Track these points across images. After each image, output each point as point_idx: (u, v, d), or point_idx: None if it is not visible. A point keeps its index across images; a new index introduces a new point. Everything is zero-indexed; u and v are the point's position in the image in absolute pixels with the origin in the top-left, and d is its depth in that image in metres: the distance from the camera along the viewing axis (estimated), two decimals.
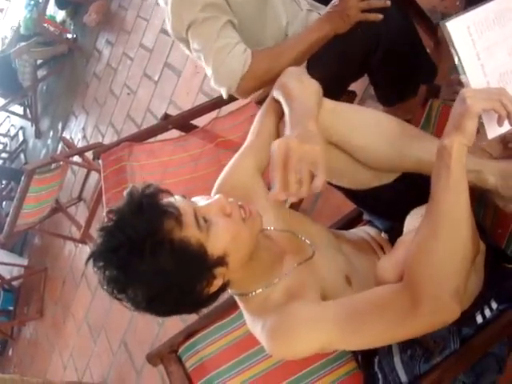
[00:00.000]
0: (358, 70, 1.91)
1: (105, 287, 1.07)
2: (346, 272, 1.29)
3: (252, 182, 1.35)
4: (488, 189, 1.30)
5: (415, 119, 1.63)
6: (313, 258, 1.27)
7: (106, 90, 4.94)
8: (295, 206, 2.18)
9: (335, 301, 1.15)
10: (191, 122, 2.57)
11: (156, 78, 4.17)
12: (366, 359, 1.43)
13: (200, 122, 2.51)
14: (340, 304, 1.13)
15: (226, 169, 1.36)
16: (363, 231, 1.51)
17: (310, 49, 1.73)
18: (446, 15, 2.17)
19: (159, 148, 2.48)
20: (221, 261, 1.10)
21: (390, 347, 1.37)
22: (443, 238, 1.01)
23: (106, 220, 1.06)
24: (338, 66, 1.82)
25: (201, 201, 1.15)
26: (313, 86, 1.29)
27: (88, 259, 1.06)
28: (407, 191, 1.36)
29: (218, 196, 1.15)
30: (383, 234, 1.47)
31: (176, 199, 1.10)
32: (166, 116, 2.52)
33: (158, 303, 1.10)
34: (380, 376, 1.37)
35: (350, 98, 1.88)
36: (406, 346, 1.35)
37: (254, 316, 1.20)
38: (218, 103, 2.60)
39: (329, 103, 1.33)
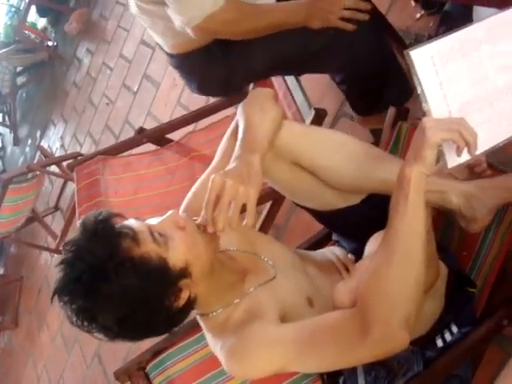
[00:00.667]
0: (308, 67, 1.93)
1: (74, 321, 1.08)
2: (308, 293, 1.30)
3: None
4: (452, 209, 1.32)
5: (384, 141, 1.65)
6: (275, 280, 1.28)
7: (84, 100, 4.93)
8: (267, 223, 2.19)
9: (293, 323, 1.16)
10: (166, 135, 2.57)
11: (135, 89, 4.18)
12: (331, 379, 1.44)
13: (176, 135, 2.52)
14: (297, 327, 1.14)
15: (190, 193, 1.37)
16: (330, 252, 1.53)
17: (276, 27, 1.71)
18: (420, 36, 2.20)
19: (133, 162, 2.48)
20: (184, 272, 1.12)
21: (354, 368, 1.38)
22: (396, 266, 1.02)
23: (63, 253, 1.07)
24: (294, 52, 1.83)
25: (154, 220, 1.16)
26: (273, 115, 1.29)
27: (53, 296, 1.07)
28: (373, 212, 1.37)
29: (170, 211, 1.16)
30: (350, 255, 1.48)
31: (129, 221, 1.12)
32: (141, 130, 2.52)
33: (129, 325, 1.10)
34: None
35: (320, 115, 1.89)
36: (371, 367, 1.36)
37: (215, 336, 1.21)
38: (193, 117, 2.61)
39: (297, 126, 1.35)
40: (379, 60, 1.84)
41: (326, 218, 1.47)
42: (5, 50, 5.76)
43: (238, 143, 1.24)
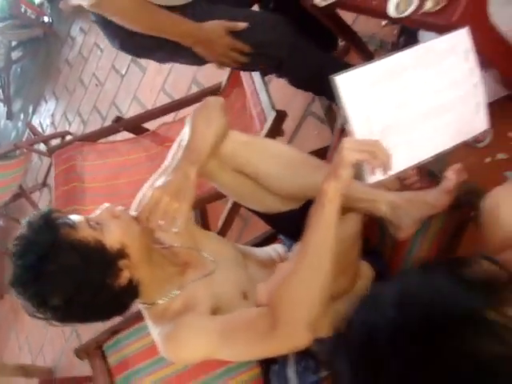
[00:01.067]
0: None
1: (31, 312, 1.21)
2: (244, 288, 1.43)
3: None
4: (382, 216, 1.44)
5: (333, 146, 1.76)
6: (213, 275, 1.40)
7: (76, 79, 5.00)
8: (232, 214, 2.30)
9: (221, 316, 1.30)
10: (143, 125, 2.68)
11: (123, 72, 4.25)
12: (266, 367, 1.56)
13: (156, 124, 2.63)
14: (223, 319, 1.28)
15: (142, 189, 1.48)
16: (273, 249, 1.65)
17: (164, 35, 1.79)
18: (384, 42, 2.29)
19: (110, 149, 2.60)
20: (121, 253, 1.26)
21: (286, 358, 1.51)
22: (303, 272, 1.15)
23: (13, 248, 1.20)
24: None
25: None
26: (218, 127, 1.40)
27: (11, 287, 1.20)
28: None
29: (106, 204, 1.32)
30: (290, 254, 1.60)
31: (69, 216, 1.27)
32: (118, 118, 2.63)
33: (76, 305, 1.23)
34: (275, 383, 1.51)
35: (281, 116, 2.00)
36: (301, 357, 1.49)
37: (154, 324, 1.35)
38: (171, 108, 2.72)
39: (241, 136, 1.46)
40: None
41: (270, 219, 1.58)
42: (0, 24, 5.80)
43: (181, 151, 1.36)
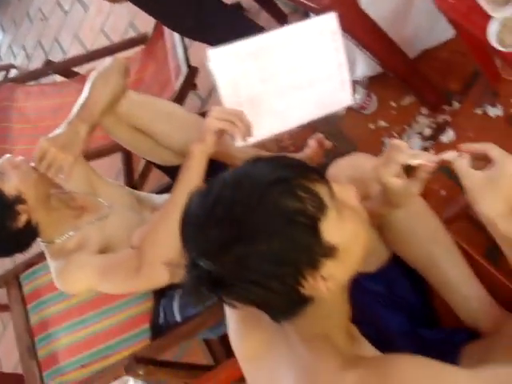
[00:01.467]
0: None
1: None
2: (135, 231, 1.63)
3: None
4: None
5: None
6: (107, 219, 1.60)
7: (23, 12, 4.98)
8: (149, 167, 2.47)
9: (103, 255, 1.51)
10: (73, 68, 2.79)
11: (67, 9, 4.29)
12: (156, 301, 1.79)
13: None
14: (104, 258, 1.49)
15: None
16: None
17: None
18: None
19: (39, 92, 2.71)
20: (18, 199, 1.45)
21: (173, 293, 1.73)
22: (166, 220, 1.35)
23: None
24: None
25: None
26: (114, 88, 1.56)
27: None
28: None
29: (7, 155, 1.51)
30: None
31: None
32: (49, 62, 2.74)
33: None
34: (162, 315, 1.74)
35: (193, 72, 2.15)
36: (184, 292, 1.71)
37: (51, 260, 1.55)
38: (100, 53, 2.82)
39: (136, 96, 1.64)
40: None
41: (166, 171, 1.78)
42: None
43: (76, 107, 1.52)
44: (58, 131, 1.49)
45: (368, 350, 1.01)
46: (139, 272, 1.35)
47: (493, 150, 0.93)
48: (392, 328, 1.31)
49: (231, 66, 1.29)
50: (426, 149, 1.85)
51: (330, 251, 0.84)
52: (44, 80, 2.86)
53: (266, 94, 1.34)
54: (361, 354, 0.95)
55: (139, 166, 2.64)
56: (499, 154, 0.91)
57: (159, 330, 1.73)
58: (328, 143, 1.58)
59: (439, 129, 1.85)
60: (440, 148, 1.79)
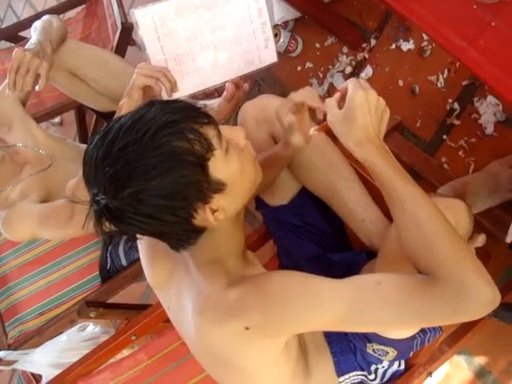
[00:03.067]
0: None
1: None
2: None
3: (13, 107, 1.75)
4: None
5: None
6: (48, 169, 1.70)
7: None
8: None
9: (42, 204, 1.61)
10: (20, 33, 2.83)
11: None
12: (103, 248, 1.91)
13: None
14: (42, 207, 1.59)
15: None
16: None
17: None
18: None
19: None
20: None
21: (118, 239, 1.85)
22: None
23: None
24: None
25: None
26: (58, 25, 1.70)
27: None
28: None
29: None
30: None
31: None
32: None
33: None
34: (109, 260, 1.87)
35: (128, 29, 2.22)
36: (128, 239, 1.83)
37: None
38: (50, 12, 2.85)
39: (72, 42, 1.74)
40: None
41: (104, 117, 1.88)
42: None
43: (37, 33, 1.63)
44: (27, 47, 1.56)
45: (259, 272, 1.11)
46: (72, 220, 1.46)
47: (348, 84, 1.03)
48: (303, 254, 1.43)
49: (156, 25, 1.35)
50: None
51: (217, 186, 0.93)
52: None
53: (191, 52, 1.40)
54: (250, 275, 1.05)
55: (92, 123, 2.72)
56: (351, 88, 1.01)
57: (107, 274, 1.86)
58: (246, 85, 1.65)
59: (359, 66, 1.94)
60: None
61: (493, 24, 1.04)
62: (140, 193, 0.87)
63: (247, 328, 0.94)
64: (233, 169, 0.96)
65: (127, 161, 0.87)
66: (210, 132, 0.93)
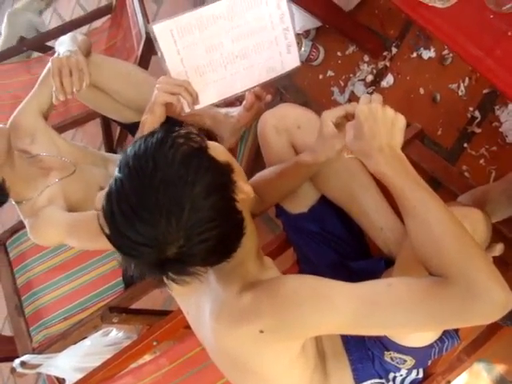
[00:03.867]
0: None
1: None
2: (102, 184, 1.76)
3: (35, 121, 1.79)
4: (208, 129, 1.75)
5: None
6: (73, 175, 1.74)
7: None
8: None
9: (72, 214, 1.64)
10: (47, 43, 2.90)
11: None
12: None
13: None
14: (71, 217, 1.62)
15: (18, 109, 1.79)
16: None
17: None
18: None
19: (14, 69, 2.82)
20: None
21: None
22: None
23: None
24: None
25: None
26: (82, 39, 1.75)
27: None
28: None
29: None
30: None
31: None
32: (22, 38, 2.84)
33: None
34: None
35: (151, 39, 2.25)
36: None
37: (25, 217, 1.70)
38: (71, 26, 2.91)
39: (95, 56, 1.78)
40: None
41: (127, 128, 1.91)
42: None
43: (65, 45, 1.66)
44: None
45: (274, 275, 1.14)
46: (101, 234, 1.48)
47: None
48: (322, 262, 1.45)
49: (175, 38, 1.34)
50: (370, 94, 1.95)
51: (228, 167, 0.96)
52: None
53: (211, 63, 1.39)
54: (266, 278, 1.07)
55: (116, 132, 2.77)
56: (358, 107, 1.04)
57: (131, 280, 1.89)
58: (268, 96, 1.66)
59: (380, 74, 1.95)
60: (381, 93, 1.89)
61: (509, 34, 1.04)
62: (193, 212, 0.87)
63: (261, 331, 0.96)
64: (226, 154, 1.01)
65: (162, 198, 0.87)
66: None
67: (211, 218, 0.88)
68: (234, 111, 1.71)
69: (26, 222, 1.69)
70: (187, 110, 1.42)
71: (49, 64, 1.70)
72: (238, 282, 1.04)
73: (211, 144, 0.97)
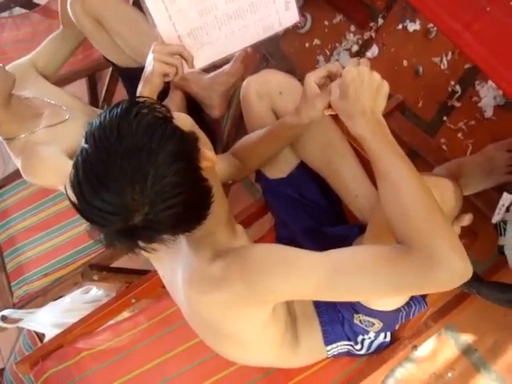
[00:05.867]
0: None
1: None
2: None
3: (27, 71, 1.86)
4: (196, 97, 1.75)
5: None
6: (67, 121, 1.76)
7: None
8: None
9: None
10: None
11: None
12: None
13: None
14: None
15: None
16: None
17: None
18: None
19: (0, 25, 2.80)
20: None
21: None
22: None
23: None
24: None
25: None
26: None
27: None
28: None
29: None
30: None
31: None
32: None
33: None
34: None
35: None
36: None
37: (16, 156, 1.71)
38: None
39: None
40: None
41: (120, 73, 1.92)
42: None
43: None
44: None
45: (244, 243, 1.17)
46: None
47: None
48: (298, 226, 1.48)
49: (166, 4, 1.30)
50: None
51: (192, 135, 0.97)
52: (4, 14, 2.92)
53: (205, 26, 1.36)
54: (236, 246, 1.10)
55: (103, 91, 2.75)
56: (346, 67, 1.06)
57: None
58: (250, 50, 1.64)
59: (365, 45, 1.96)
60: None
61: (488, 9, 1.06)
62: (158, 179, 0.88)
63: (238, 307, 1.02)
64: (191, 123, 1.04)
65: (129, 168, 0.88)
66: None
67: (175, 184, 0.89)
68: (226, 67, 1.69)
69: (17, 160, 1.71)
70: (186, 69, 1.40)
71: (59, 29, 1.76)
72: (209, 250, 1.07)
73: (176, 114, 0.98)
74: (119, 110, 0.92)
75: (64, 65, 2.02)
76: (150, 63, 1.36)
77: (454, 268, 0.89)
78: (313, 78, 1.15)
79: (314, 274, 0.97)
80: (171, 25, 1.33)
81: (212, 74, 1.74)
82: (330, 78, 1.15)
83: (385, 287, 0.96)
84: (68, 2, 1.73)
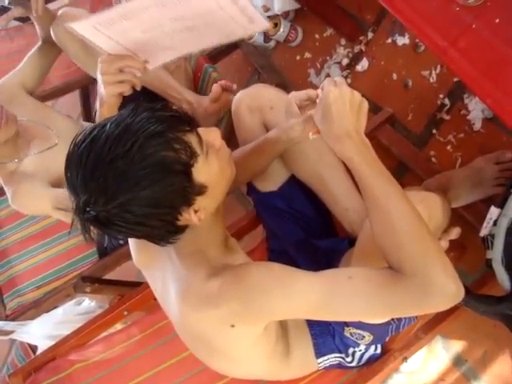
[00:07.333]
0: None
1: None
2: None
3: (17, 90, 1.85)
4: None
5: None
6: (56, 146, 1.76)
7: None
8: None
9: (59, 189, 1.66)
10: None
11: None
12: None
13: None
14: (56, 192, 1.64)
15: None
16: None
17: None
18: None
19: None
20: None
21: None
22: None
23: None
24: None
25: None
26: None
27: None
28: None
29: None
30: None
31: None
32: (3, 8, 2.82)
33: None
34: (107, 238, 1.92)
35: None
36: None
37: (7, 184, 1.72)
38: None
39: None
40: None
41: None
42: None
43: None
44: None
45: (241, 260, 1.17)
46: None
47: (324, 84, 1.05)
48: (289, 238, 1.49)
49: (102, 31, 1.16)
50: (344, 78, 1.99)
51: (200, 190, 0.97)
52: None
53: (153, 39, 1.20)
54: (232, 263, 1.10)
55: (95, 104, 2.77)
56: (325, 86, 1.04)
57: (104, 251, 1.92)
58: (234, 86, 1.68)
59: (355, 58, 1.99)
60: (355, 77, 1.94)
61: (473, 26, 1.08)
62: (129, 203, 0.90)
63: (233, 326, 1.02)
64: (213, 170, 1.00)
65: (117, 173, 0.90)
66: (192, 139, 0.96)
67: (137, 222, 0.92)
68: (204, 100, 1.74)
69: (6, 189, 1.72)
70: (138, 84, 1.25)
71: (38, 43, 1.79)
72: (204, 266, 1.07)
73: (208, 163, 0.98)
74: (151, 130, 0.91)
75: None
76: (101, 84, 1.24)
77: (447, 292, 0.91)
78: (294, 98, 1.16)
79: (309, 296, 0.98)
80: (113, 43, 1.20)
81: (197, 97, 1.79)
82: (312, 102, 1.14)
83: (381, 311, 0.98)
84: (51, 28, 1.76)
